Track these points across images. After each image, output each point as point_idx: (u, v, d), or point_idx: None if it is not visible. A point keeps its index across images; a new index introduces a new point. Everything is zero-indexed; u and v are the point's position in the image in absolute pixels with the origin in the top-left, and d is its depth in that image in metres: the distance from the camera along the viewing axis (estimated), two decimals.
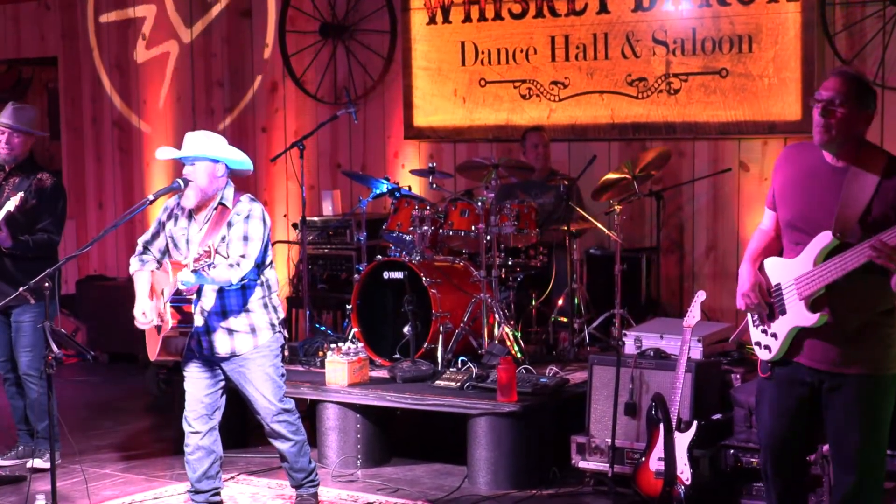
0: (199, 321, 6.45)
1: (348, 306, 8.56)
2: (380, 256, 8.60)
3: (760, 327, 5.14)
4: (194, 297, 6.41)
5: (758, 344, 5.17)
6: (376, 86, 10.71)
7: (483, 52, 10.12)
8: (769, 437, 5.20)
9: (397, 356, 8.34)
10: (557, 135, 9.75)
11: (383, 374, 8.14)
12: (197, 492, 6.70)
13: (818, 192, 4.97)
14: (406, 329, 8.23)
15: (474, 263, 8.58)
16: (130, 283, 6.64)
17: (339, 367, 7.86)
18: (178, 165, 6.56)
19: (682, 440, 6.58)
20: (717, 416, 7.13)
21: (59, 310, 8.00)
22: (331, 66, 10.91)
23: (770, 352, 5.10)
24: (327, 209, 10.47)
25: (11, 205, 7.39)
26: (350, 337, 8.34)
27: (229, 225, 6.40)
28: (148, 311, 6.46)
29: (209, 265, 6.04)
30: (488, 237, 8.38)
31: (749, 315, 5.21)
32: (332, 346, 8.06)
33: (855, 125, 4.91)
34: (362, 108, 10.61)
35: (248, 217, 6.41)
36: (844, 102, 4.87)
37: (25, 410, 7.88)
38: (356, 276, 8.70)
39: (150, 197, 6.47)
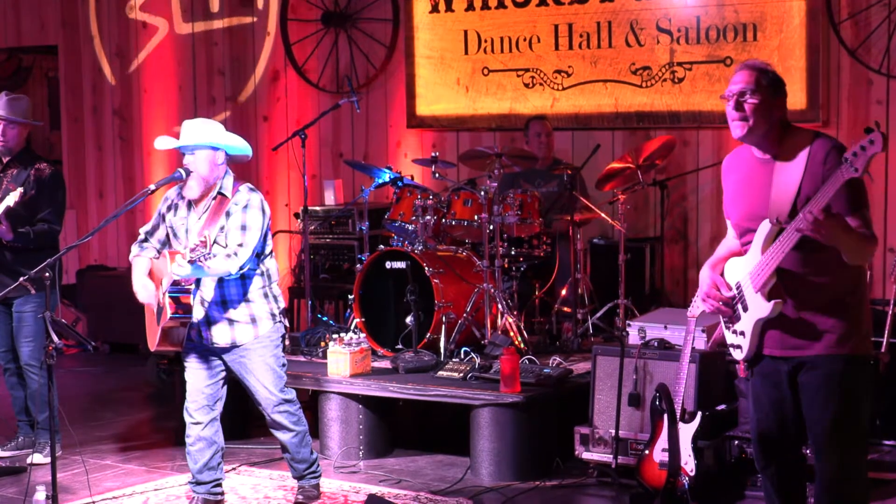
0: (198, 312, 6.44)
1: (350, 296, 8.53)
2: (382, 246, 8.55)
3: (731, 328, 5.13)
4: (192, 287, 6.39)
5: (732, 345, 5.16)
6: (379, 74, 10.68)
7: (486, 41, 10.08)
8: (757, 432, 5.21)
9: (400, 346, 8.32)
10: (561, 124, 9.73)
11: (386, 364, 8.11)
12: (198, 483, 6.70)
13: (755, 189, 5.00)
14: (408, 319, 8.21)
15: (477, 253, 8.56)
16: (131, 272, 6.62)
17: (342, 357, 7.83)
18: (180, 153, 6.53)
19: (687, 431, 6.55)
20: (721, 407, 7.11)
21: (60, 300, 7.97)
22: (333, 54, 10.88)
23: (742, 350, 5.09)
24: (329, 199, 10.44)
25: (11, 199, 7.35)
26: (352, 327, 8.32)
27: (227, 215, 6.39)
28: (148, 285, 6.46)
29: (205, 256, 6.02)
30: (491, 227, 8.35)
31: (721, 320, 5.20)
32: (335, 336, 8.02)
33: (770, 112, 4.91)
34: (364, 96, 10.59)
35: (246, 207, 6.39)
36: (756, 92, 4.89)
37: (26, 401, 7.86)
38: (358, 265, 8.67)
39: (152, 187, 6.47)
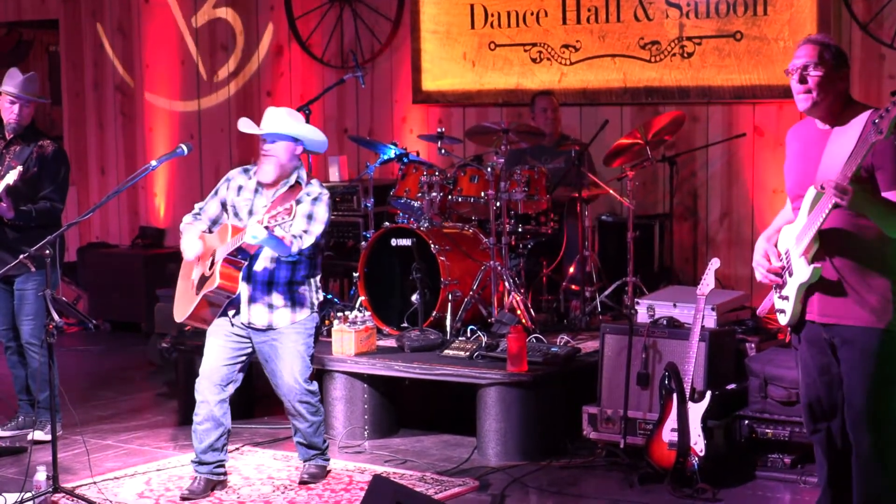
0: (242, 287, 6.50)
1: (355, 274, 8.50)
2: (387, 223, 8.53)
3: (779, 294, 5.23)
4: (247, 261, 6.46)
5: (778, 310, 5.28)
6: (384, 49, 10.61)
7: (493, 15, 10.00)
8: (805, 397, 5.31)
9: (405, 325, 8.27)
10: (568, 99, 9.67)
11: (391, 343, 8.06)
12: (201, 463, 6.68)
13: (809, 157, 5.14)
14: (414, 297, 8.17)
15: (484, 230, 8.51)
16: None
17: (346, 336, 7.77)
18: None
19: (696, 411, 6.54)
20: (731, 386, 7.08)
21: (61, 277, 7.93)
22: (337, 29, 10.80)
23: (786, 315, 5.20)
24: (334, 175, 10.39)
25: (11, 177, 7.29)
26: (357, 305, 8.26)
27: (297, 202, 6.45)
28: (196, 244, 6.55)
29: (285, 223, 6.16)
30: (498, 203, 8.30)
31: (774, 288, 5.28)
32: (339, 314, 7.97)
33: (834, 84, 5.08)
34: (369, 72, 10.50)
35: (317, 199, 6.54)
36: (819, 64, 5.06)
37: (27, 380, 7.81)
38: (363, 243, 8.64)
39: (154, 163, 6.54)
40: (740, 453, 6.88)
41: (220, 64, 11.50)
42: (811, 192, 5.00)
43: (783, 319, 5.23)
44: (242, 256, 6.42)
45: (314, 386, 6.72)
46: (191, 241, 6.59)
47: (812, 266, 5.00)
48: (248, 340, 6.62)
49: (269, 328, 6.57)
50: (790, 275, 5.12)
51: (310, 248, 6.52)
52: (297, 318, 6.59)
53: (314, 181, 6.63)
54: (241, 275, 6.44)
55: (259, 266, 6.52)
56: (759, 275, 5.24)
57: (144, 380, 9.52)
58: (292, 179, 6.58)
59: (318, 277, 6.72)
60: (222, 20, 11.45)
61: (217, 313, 6.55)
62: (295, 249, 6.40)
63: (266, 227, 6.11)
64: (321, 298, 6.74)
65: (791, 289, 5.12)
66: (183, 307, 6.61)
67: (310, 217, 6.47)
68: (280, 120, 6.55)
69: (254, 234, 6.16)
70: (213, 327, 6.62)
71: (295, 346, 6.58)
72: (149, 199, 11.80)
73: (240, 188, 6.65)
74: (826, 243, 5.00)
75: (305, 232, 6.44)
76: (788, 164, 5.27)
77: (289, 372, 6.58)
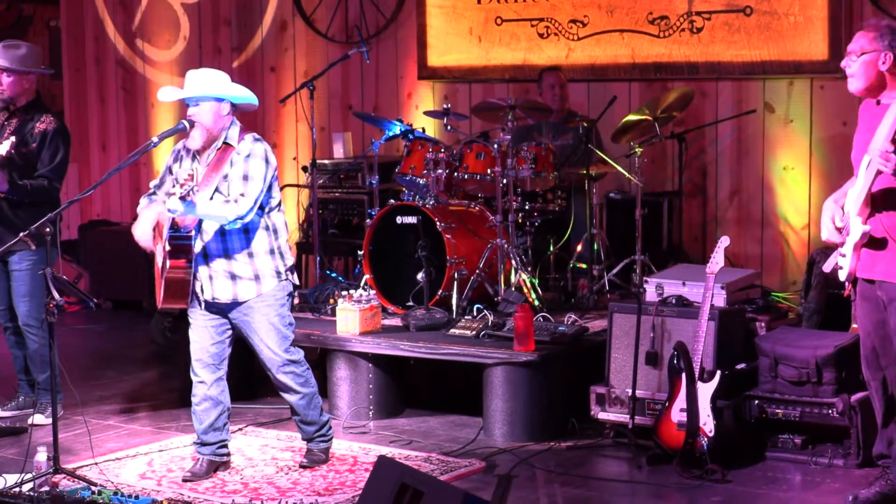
0: (202, 263, 6.36)
1: (360, 252, 8.46)
2: (393, 201, 8.47)
3: (839, 251, 5.70)
4: (193, 233, 6.31)
5: (838, 267, 5.73)
6: (389, 24, 10.55)
7: None
8: (862, 348, 5.85)
9: (411, 304, 8.22)
10: (576, 75, 9.62)
11: (396, 322, 8.02)
12: (203, 444, 6.63)
13: (870, 129, 5.54)
14: (420, 276, 8.12)
15: (490, 208, 8.47)
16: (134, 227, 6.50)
17: (351, 315, 7.73)
18: (185, 107, 6.45)
19: (705, 390, 6.50)
20: (741, 366, 7.03)
21: (61, 255, 7.86)
22: (342, 3, 10.73)
23: (844, 270, 5.68)
24: (338, 152, 10.35)
25: (3, 148, 7.13)
26: (362, 284, 8.23)
27: (231, 164, 6.31)
28: (147, 231, 6.42)
29: (193, 190, 6.00)
30: (504, 181, 8.25)
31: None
32: (344, 293, 7.94)
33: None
34: (374, 47, 10.45)
35: (249, 156, 6.33)
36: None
37: (26, 361, 7.72)
38: (368, 220, 8.58)
39: (155, 139, 6.46)
40: (750, 434, 6.83)
41: (223, 39, 11.43)
42: (865, 160, 5.47)
43: (842, 275, 5.70)
44: (184, 231, 6.28)
45: (297, 355, 6.60)
46: (141, 230, 6.43)
47: (863, 227, 5.49)
48: (225, 315, 6.51)
49: (235, 302, 6.43)
50: (847, 233, 5.59)
51: (257, 213, 6.34)
52: (264, 289, 6.42)
53: (248, 136, 6.40)
54: (194, 247, 6.31)
55: (208, 239, 6.37)
56: (825, 234, 5.74)
57: (146, 359, 9.47)
58: (220, 141, 6.37)
59: (281, 243, 6.51)
60: None
61: (187, 291, 6.40)
62: (231, 215, 6.20)
63: (181, 198, 6.00)
64: (289, 264, 6.54)
65: (848, 247, 5.60)
66: (158, 294, 6.49)
67: (245, 178, 6.28)
68: (200, 81, 6.38)
69: (170, 209, 6.07)
70: (193, 309, 6.51)
71: (267, 319, 6.45)
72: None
73: (181, 158, 6.50)
74: (876, 204, 5.50)
75: (242, 195, 6.23)
76: (855, 134, 5.73)
77: (265, 344, 6.48)
